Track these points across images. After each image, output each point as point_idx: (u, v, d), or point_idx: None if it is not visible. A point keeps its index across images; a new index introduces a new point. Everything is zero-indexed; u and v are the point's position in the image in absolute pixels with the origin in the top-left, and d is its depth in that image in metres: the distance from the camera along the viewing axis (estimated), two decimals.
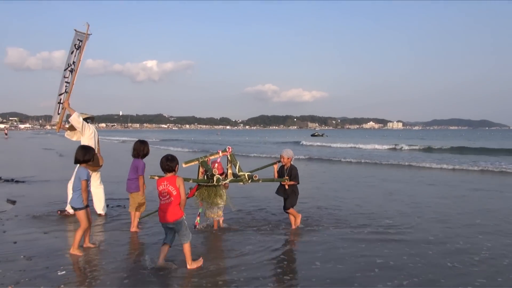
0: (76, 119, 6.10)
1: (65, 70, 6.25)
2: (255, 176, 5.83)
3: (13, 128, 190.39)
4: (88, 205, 4.67)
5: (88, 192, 4.76)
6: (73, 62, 6.28)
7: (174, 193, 4.09)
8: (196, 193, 5.80)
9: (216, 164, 5.81)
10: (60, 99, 6.27)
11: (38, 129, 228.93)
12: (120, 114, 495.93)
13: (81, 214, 4.58)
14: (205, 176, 5.62)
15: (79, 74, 6.44)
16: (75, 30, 6.31)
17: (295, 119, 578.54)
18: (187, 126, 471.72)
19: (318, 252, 4.96)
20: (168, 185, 4.11)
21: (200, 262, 4.32)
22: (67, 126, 6.53)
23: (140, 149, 5.65)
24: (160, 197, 4.17)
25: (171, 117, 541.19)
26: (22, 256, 4.53)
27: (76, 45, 6.29)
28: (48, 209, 7.06)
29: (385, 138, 67.00)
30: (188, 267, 4.20)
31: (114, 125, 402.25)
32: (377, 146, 34.40)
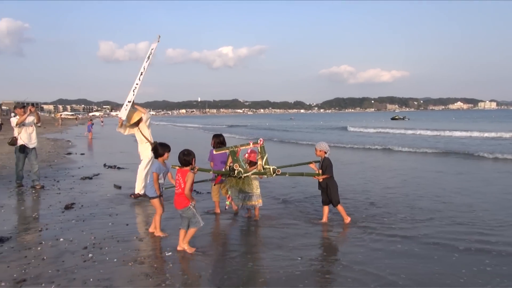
0: (148, 117, 7.58)
1: (139, 75, 7.24)
2: (278, 171, 5.82)
3: (106, 115, 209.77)
4: (161, 195, 5.17)
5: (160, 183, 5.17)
6: (144, 68, 7.23)
7: (183, 185, 4.51)
8: (224, 180, 6.08)
9: (248, 153, 6.10)
10: (131, 99, 7.16)
11: None
12: (199, 100, 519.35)
13: (155, 202, 5.15)
14: (228, 168, 5.85)
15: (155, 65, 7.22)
16: (150, 43, 7.42)
17: (372, 101, 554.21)
18: (262, 110, 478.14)
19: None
20: (180, 177, 4.56)
21: (192, 249, 4.62)
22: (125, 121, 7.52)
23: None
24: (176, 186, 4.65)
25: (246, 102, 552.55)
26: (135, 237, 5.23)
27: (150, 54, 7.27)
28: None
29: (480, 121, 60.92)
30: (179, 246, 4.63)
31: (193, 111, 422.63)
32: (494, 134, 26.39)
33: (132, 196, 7.60)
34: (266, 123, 71.91)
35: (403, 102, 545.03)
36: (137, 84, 7.30)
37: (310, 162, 6.19)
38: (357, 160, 14.95)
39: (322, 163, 5.95)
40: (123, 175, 10.61)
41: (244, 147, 5.96)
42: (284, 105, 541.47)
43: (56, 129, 43.77)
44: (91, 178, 9.91)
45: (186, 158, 4.53)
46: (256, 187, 6.04)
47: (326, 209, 6.05)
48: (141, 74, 7.26)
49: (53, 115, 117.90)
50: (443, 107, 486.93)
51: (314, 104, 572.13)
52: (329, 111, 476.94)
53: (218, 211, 6.53)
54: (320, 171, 5.94)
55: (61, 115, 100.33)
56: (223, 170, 6.00)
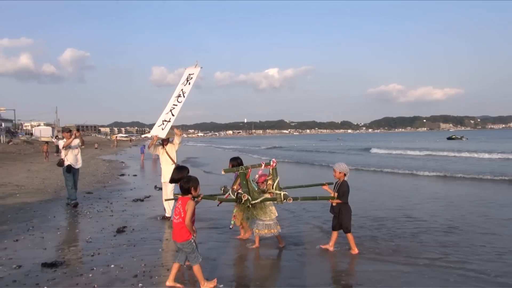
0: (181, 140, 7.88)
1: (175, 96, 7.33)
2: (290, 199, 5.23)
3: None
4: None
5: None
6: (182, 91, 7.40)
7: (183, 215, 4.12)
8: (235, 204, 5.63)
9: (258, 175, 5.60)
10: (169, 119, 7.25)
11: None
12: (245, 121, 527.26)
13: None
14: (235, 194, 5.24)
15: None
16: (186, 68, 7.53)
17: (424, 120, 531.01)
18: (308, 131, 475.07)
19: None
20: (180, 205, 4.18)
21: (214, 283, 4.26)
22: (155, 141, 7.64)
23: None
24: (174, 215, 4.25)
25: (292, 122, 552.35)
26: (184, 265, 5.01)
27: (188, 78, 7.34)
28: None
29: None
30: (168, 282, 4.26)
31: (240, 132, 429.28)
32: None
33: (164, 218, 7.67)
34: (313, 143, 70.65)
35: (458, 120, 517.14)
36: (175, 105, 7.39)
37: (324, 184, 5.72)
38: (410, 187, 13.98)
39: (339, 186, 5.50)
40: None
41: (255, 169, 5.53)
42: (331, 125, 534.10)
43: (112, 151, 45.99)
44: (142, 200, 10.02)
45: (185, 186, 4.17)
46: (270, 213, 5.63)
47: (334, 235, 5.63)
48: (179, 96, 7.38)
49: (109, 137, 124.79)
50: (503, 125, 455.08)
51: (362, 124, 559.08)
52: (378, 131, 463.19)
53: (243, 236, 6.26)
54: (336, 194, 5.48)
55: (116, 137, 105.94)
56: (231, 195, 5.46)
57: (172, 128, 7.44)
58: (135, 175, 17.00)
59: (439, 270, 4.88)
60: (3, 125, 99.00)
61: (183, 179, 4.27)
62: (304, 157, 31.28)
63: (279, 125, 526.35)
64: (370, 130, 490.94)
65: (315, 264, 5.21)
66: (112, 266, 4.92)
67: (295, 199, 5.33)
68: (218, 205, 6.03)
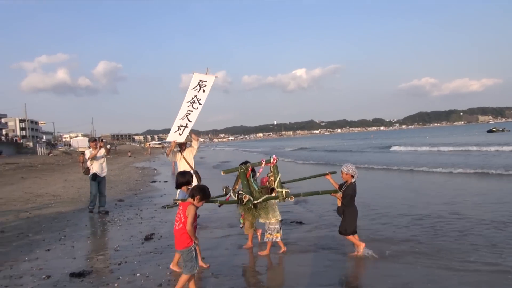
0: (198, 145, 7.79)
1: (188, 102, 7.33)
2: (291, 197, 5.00)
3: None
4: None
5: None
6: (196, 97, 7.37)
7: (183, 220, 3.98)
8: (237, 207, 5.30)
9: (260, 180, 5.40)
10: (186, 124, 7.26)
11: (207, 142, 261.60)
12: (275, 123, 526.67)
13: None
14: (237, 195, 4.92)
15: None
16: (194, 73, 7.49)
17: (461, 113, 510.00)
18: (339, 130, 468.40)
19: None
20: (181, 210, 4.04)
21: None
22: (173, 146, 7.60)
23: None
24: (175, 221, 4.11)
25: (322, 122, 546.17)
26: (210, 274, 4.88)
27: (202, 85, 7.35)
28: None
29: None
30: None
31: (270, 134, 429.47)
32: None
33: None
34: (344, 143, 69.34)
35: (498, 112, 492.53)
36: (190, 111, 7.38)
37: (326, 174, 5.64)
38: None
39: (345, 188, 5.29)
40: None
41: (256, 167, 5.35)
42: (362, 123, 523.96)
43: (145, 158, 47.13)
44: (172, 207, 10.03)
45: (191, 191, 4.05)
46: (273, 216, 5.46)
47: (351, 239, 5.34)
48: (194, 103, 7.37)
49: (142, 145, 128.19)
50: None
51: (395, 120, 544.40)
52: (412, 126, 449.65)
53: (250, 244, 6.01)
54: (341, 195, 5.31)
55: (149, 144, 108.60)
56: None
57: (189, 133, 7.46)
58: (166, 181, 17.20)
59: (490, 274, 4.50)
60: (44, 138, 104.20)
61: (198, 186, 4.18)
62: (327, 158, 30.67)
63: (309, 125, 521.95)
64: (403, 126, 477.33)
65: (349, 269, 4.96)
66: (138, 275, 4.88)
67: (296, 195, 5.12)
68: (219, 206, 5.85)
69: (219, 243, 6.38)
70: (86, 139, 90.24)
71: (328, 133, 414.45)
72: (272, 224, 5.55)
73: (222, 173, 5.11)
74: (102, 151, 9.52)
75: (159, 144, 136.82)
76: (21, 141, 72.13)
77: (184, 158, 7.69)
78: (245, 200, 4.78)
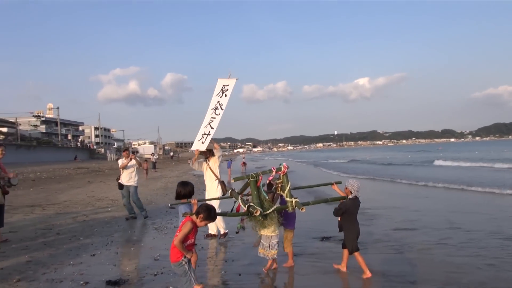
0: (220, 154, 7.64)
1: (212, 109, 7.23)
2: (303, 209, 4.81)
3: (248, 152, 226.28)
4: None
5: None
6: (219, 103, 7.25)
7: (176, 234, 3.88)
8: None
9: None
10: (209, 132, 7.11)
11: (267, 151, 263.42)
12: (335, 133, 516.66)
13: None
14: (247, 206, 4.79)
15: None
16: (218, 79, 7.37)
17: None
18: (404, 141, 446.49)
19: None
20: (180, 225, 3.98)
21: None
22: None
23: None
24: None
25: (386, 132, 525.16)
26: None
27: (224, 90, 7.25)
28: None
29: None
30: None
31: (330, 144, 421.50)
32: None
33: (209, 236, 7.49)
34: (409, 155, 65.71)
35: None
36: (213, 118, 7.25)
37: (332, 183, 5.57)
38: None
39: (341, 202, 5.22)
40: None
41: (266, 175, 5.24)
42: (430, 135, 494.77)
43: None
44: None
45: (197, 209, 3.99)
46: (272, 231, 5.10)
47: (344, 253, 5.23)
48: (216, 109, 7.23)
49: None
50: None
51: (467, 131, 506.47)
52: (487, 138, 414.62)
53: (292, 263, 5.54)
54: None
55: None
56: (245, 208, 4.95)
57: (211, 142, 7.28)
58: None
59: None
60: (115, 145, 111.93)
61: (205, 205, 3.98)
62: (370, 171, 28.82)
63: (372, 136, 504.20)
64: (477, 138, 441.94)
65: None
66: None
67: (305, 204, 4.98)
68: (237, 233, 5.81)
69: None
70: (152, 146, 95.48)
71: (392, 144, 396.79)
72: (274, 238, 5.14)
73: (232, 181, 5.24)
74: (133, 162, 9.80)
75: None
76: (94, 147, 77.97)
77: (210, 167, 7.53)
78: (256, 214, 4.59)
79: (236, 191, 5.38)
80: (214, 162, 7.54)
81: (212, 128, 7.18)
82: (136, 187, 9.90)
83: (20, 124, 68.86)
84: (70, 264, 5.83)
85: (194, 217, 3.89)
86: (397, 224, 8.45)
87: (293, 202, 4.89)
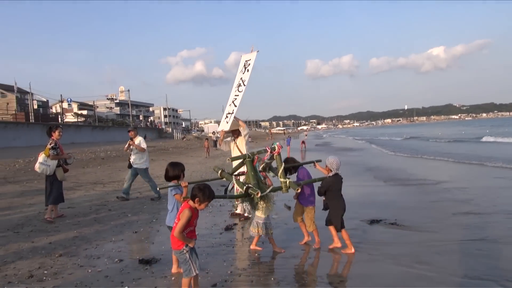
0: (246, 132, 7.35)
1: (236, 86, 7.00)
2: (298, 189, 4.84)
3: (312, 129, 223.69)
4: None
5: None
6: (241, 79, 7.02)
7: (177, 221, 3.63)
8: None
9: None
10: (232, 110, 6.86)
11: (331, 128, 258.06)
12: (405, 108, 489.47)
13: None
14: (245, 188, 4.59)
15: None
16: (242, 56, 7.17)
17: None
18: (484, 114, 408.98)
19: None
20: (178, 213, 3.73)
21: None
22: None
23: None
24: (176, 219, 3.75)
25: (463, 106, 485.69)
26: (272, 278, 4.37)
27: (246, 65, 7.03)
28: None
29: None
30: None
31: (399, 120, 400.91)
32: None
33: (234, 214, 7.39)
34: (487, 130, 59.80)
35: None
36: (236, 95, 6.96)
37: (313, 162, 5.52)
38: None
39: (322, 181, 5.25)
40: None
41: (262, 155, 5.23)
42: None
43: (266, 143, 48.74)
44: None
45: (192, 192, 3.64)
46: (264, 212, 4.99)
47: (331, 230, 5.24)
48: (239, 86, 6.95)
49: (267, 130, 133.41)
50: None
51: None
52: None
53: (319, 243, 5.36)
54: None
55: (270, 130, 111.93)
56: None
57: (236, 120, 7.00)
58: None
59: None
60: (183, 124, 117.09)
61: (198, 186, 3.67)
62: (424, 148, 26.50)
63: (446, 110, 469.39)
64: None
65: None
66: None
67: (298, 185, 4.94)
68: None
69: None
70: (216, 125, 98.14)
71: (470, 118, 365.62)
72: (264, 219, 5.08)
73: (227, 161, 5.19)
74: (141, 143, 9.46)
75: (284, 129, 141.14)
76: (163, 127, 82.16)
77: (237, 146, 7.32)
78: (257, 196, 4.40)
79: (225, 171, 5.05)
80: (241, 140, 7.39)
81: (235, 106, 6.96)
82: (145, 169, 9.66)
83: (97, 106, 74.47)
84: (111, 240, 5.97)
85: (191, 202, 3.63)
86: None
87: (287, 182, 4.81)
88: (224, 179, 5.03)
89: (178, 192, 4.35)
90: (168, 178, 4.56)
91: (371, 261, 4.79)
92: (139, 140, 9.56)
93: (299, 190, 4.89)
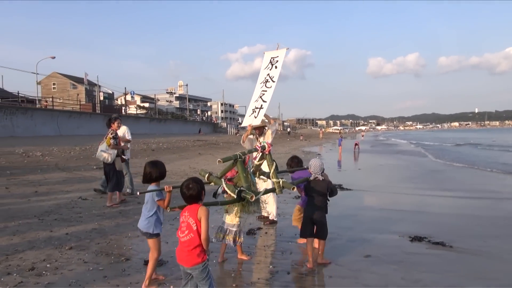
0: (274, 129, 6.99)
1: (261, 82, 6.62)
2: (293, 188, 4.53)
3: (371, 130, 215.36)
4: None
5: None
6: (269, 76, 6.64)
7: (194, 227, 3.05)
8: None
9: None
10: (261, 105, 6.45)
11: (392, 130, 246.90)
12: (476, 111, 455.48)
13: (157, 242, 4.05)
14: (237, 192, 4.08)
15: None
16: (264, 52, 6.83)
17: None
18: None
19: None
20: (189, 216, 3.11)
21: None
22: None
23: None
24: (179, 232, 3.16)
25: None
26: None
27: (273, 62, 6.69)
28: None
29: None
30: None
31: (468, 124, 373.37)
32: None
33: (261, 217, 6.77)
34: None
35: None
36: (264, 91, 6.56)
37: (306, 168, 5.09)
38: None
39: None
40: (344, 198, 9.14)
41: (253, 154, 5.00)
42: None
43: (317, 142, 47.99)
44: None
45: (193, 192, 3.12)
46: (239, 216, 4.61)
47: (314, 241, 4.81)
48: (267, 82, 6.55)
49: (323, 129, 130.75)
50: None
51: None
52: None
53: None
54: None
55: (322, 130, 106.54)
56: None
57: (265, 116, 6.60)
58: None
59: None
60: (239, 120, 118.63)
61: (187, 185, 3.14)
62: (476, 158, 23.42)
63: None
64: None
65: None
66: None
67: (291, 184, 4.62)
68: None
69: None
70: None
71: None
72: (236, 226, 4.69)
73: (218, 162, 4.43)
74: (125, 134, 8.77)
75: (341, 129, 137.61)
76: (218, 121, 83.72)
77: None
78: (251, 200, 3.95)
79: (213, 175, 4.44)
80: (267, 138, 6.90)
81: (264, 101, 6.54)
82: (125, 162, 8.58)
83: (159, 100, 77.68)
84: (127, 236, 5.73)
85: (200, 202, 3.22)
86: None
87: (280, 182, 4.54)
88: (213, 183, 4.42)
89: (162, 197, 3.87)
90: (150, 180, 4.00)
91: None
92: (123, 130, 8.70)
93: (294, 189, 4.63)
